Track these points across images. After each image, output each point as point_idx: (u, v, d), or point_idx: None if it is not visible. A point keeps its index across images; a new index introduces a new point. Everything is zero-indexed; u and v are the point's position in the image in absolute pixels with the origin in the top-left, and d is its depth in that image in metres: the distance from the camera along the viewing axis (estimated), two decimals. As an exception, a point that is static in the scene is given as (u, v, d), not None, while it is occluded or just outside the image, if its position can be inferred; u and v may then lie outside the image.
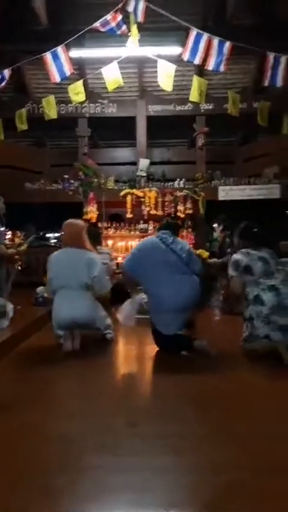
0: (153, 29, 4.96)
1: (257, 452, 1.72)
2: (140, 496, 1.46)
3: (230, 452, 1.73)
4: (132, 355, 3.54)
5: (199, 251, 5.67)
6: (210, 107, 6.64)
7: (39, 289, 4.66)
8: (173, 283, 3.14)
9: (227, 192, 6.42)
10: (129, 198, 6.22)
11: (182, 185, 6.54)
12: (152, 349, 3.47)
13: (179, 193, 6.22)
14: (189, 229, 6.19)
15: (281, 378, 2.63)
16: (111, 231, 6.38)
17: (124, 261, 3.44)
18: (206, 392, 2.45)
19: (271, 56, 3.94)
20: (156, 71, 4.58)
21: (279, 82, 3.96)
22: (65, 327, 3.35)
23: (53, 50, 4.32)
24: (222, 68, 3.88)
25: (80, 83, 4.86)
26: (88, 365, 3.05)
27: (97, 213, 6.31)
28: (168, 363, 3.08)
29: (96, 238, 4.47)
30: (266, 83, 4.05)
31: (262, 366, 2.87)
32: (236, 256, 3.17)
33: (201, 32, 3.84)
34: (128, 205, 6.21)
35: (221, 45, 3.80)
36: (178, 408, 2.21)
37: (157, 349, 3.34)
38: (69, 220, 3.60)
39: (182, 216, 6.13)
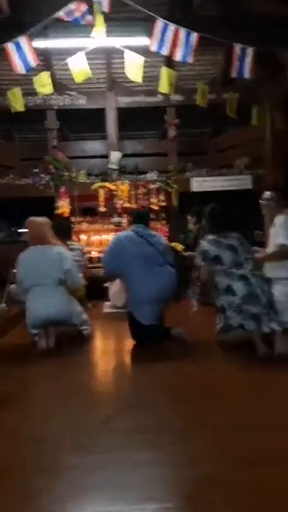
0: (120, 19, 4.87)
1: (233, 444, 1.76)
2: (119, 492, 1.46)
3: (206, 444, 1.76)
4: (108, 351, 3.54)
5: (173, 244, 5.68)
6: (180, 98, 6.62)
7: (12, 287, 4.57)
8: (151, 274, 3.23)
9: (200, 184, 6.45)
10: (101, 191, 6.15)
11: (154, 177, 6.52)
12: (128, 343, 3.48)
13: (151, 186, 6.20)
14: (163, 222, 6.20)
15: (255, 369, 2.69)
16: (84, 225, 6.31)
17: (102, 256, 3.50)
18: (182, 384, 2.48)
19: (238, 48, 3.96)
20: (124, 62, 4.51)
21: (247, 74, 3.98)
22: (40, 325, 3.31)
23: (15, 40, 4.17)
24: (189, 59, 3.87)
25: (46, 74, 4.73)
26: (64, 363, 3.03)
27: (69, 207, 6.22)
28: (144, 357, 3.10)
29: (66, 232, 4.42)
30: (234, 75, 4.07)
31: (237, 357, 2.93)
32: (205, 245, 3.17)
33: (168, 22, 3.81)
34: (101, 198, 6.14)
35: (188, 36, 3.78)
36: (154, 401, 2.22)
37: (134, 343, 3.35)
38: (31, 218, 3.56)
39: (156, 208, 6.12)
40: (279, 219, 3.30)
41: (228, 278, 3.01)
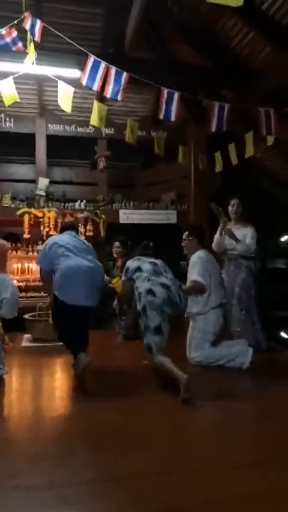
0: (53, 49, 4.89)
1: (147, 493, 1.67)
2: None
3: (117, 497, 1.65)
4: (21, 392, 3.27)
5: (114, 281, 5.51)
6: (112, 132, 6.78)
7: None
8: (82, 257, 3.31)
9: (128, 216, 6.54)
10: (26, 217, 5.92)
11: (83, 206, 6.48)
12: (46, 384, 3.28)
13: (79, 215, 6.13)
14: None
15: (174, 407, 2.66)
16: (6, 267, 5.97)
17: (41, 265, 3.49)
18: (96, 430, 2.34)
19: (165, 92, 4.17)
20: (56, 90, 4.50)
21: (173, 117, 4.19)
22: None
23: None
24: (119, 97, 3.96)
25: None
26: None
27: (-10, 232, 5.87)
28: (62, 399, 2.93)
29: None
30: (161, 117, 4.26)
31: (155, 394, 2.89)
32: (128, 263, 3.36)
33: (99, 60, 3.89)
34: (26, 225, 5.90)
35: (118, 74, 3.90)
36: (65, 451, 2.07)
37: (51, 383, 3.16)
38: None
39: (83, 238, 6.04)
40: (193, 257, 3.64)
41: (149, 283, 3.11)
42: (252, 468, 1.87)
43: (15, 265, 5.89)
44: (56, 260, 3.29)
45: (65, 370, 3.65)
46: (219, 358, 3.55)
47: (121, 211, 6.56)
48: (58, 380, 3.48)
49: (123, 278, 3.37)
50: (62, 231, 3.79)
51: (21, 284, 5.53)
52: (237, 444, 2.13)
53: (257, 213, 4.41)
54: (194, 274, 3.56)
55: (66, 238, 3.50)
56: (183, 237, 3.85)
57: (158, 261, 3.38)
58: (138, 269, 3.24)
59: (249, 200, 4.34)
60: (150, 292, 3.07)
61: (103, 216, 6.28)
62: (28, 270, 5.89)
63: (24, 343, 4.62)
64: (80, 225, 6.01)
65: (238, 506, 1.58)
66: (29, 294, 5.53)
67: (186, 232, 3.85)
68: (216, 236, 4.26)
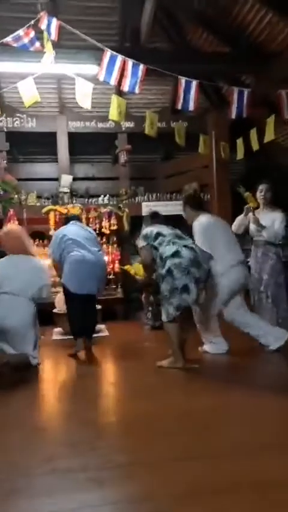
0: (70, 46, 4.94)
1: (176, 476, 1.71)
2: None
3: (148, 480, 1.71)
4: (55, 382, 3.40)
5: (126, 267, 5.68)
6: (132, 125, 6.78)
7: None
8: (88, 250, 3.76)
9: (151, 208, 6.54)
10: (52, 214, 6.05)
11: (106, 201, 6.54)
12: (77, 374, 3.38)
13: (103, 210, 6.20)
14: (115, 245, 6.19)
15: (201, 395, 2.70)
16: (34, 249, 6.13)
17: (49, 252, 4.03)
18: (125, 414, 2.42)
19: (182, 81, 4.14)
20: (75, 88, 4.55)
21: (192, 106, 4.15)
22: None
23: None
24: (137, 90, 3.97)
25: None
26: (5, 394, 2.86)
27: (18, 230, 6.04)
28: (92, 390, 3.01)
29: None
30: (179, 107, 4.23)
31: (182, 383, 2.93)
32: (146, 229, 3.40)
33: (115, 53, 3.91)
34: (51, 222, 6.03)
35: (135, 67, 3.90)
36: (98, 437, 2.14)
37: (82, 374, 3.26)
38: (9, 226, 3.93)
39: (107, 232, 6.12)
40: (194, 226, 3.61)
41: (175, 246, 3.17)
42: (278, 453, 1.87)
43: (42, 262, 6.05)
44: (64, 253, 3.74)
45: (96, 360, 3.75)
46: (250, 325, 3.54)
47: (144, 204, 6.58)
48: (89, 370, 3.57)
49: (142, 244, 3.37)
50: (66, 221, 4.22)
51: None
52: (262, 430, 2.14)
53: (284, 198, 4.32)
54: (197, 243, 3.50)
55: (74, 229, 3.93)
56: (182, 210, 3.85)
57: (177, 230, 3.43)
58: (160, 234, 3.29)
59: (275, 185, 4.27)
60: (176, 254, 3.12)
61: (126, 210, 6.33)
62: (55, 267, 6.02)
63: (55, 337, 4.76)
64: (104, 219, 6.10)
65: (262, 489, 1.59)
66: (57, 289, 5.67)
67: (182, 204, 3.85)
68: (239, 217, 4.20)
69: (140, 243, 3.40)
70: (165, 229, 3.35)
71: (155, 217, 3.65)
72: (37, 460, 1.90)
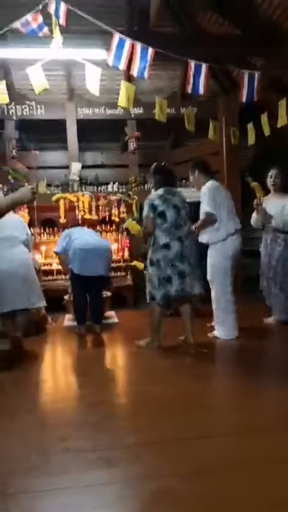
0: (78, 31, 4.87)
1: (183, 455, 1.76)
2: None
3: (156, 459, 1.75)
4: (67, 365, 3.46)
5: (134, 263, 5.68)
6: (141, 112, 6.71)
7: None
8: (90, 235, 4.46)
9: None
10: (62, 202, 6.07)
11: (115, 189, 6.54)
12: (87, 358, 3.43)
13: (112, 197, 6.20)
14: (124, 233, 6.20)
15: (206, 378, 2.73)
16: (44, 237, 6.20)
17: (56, 249, 4.47)
18: (134, 396, 2.47)
19: (192, 64, 4.07)
20: (84, 74, 4.52)
21: (201, 90, 4.09)
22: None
23: None
24: (146, 75, 3.92)
25: (1, 83, 4.64)
26: (17, 377, 2.93)
27: (29, 218, 6.09)
28: (101, 373, 3.07)
29: None
30: (189, 90, 4.17)
31: (189, 366, 2.96)
32: (154, 199, 3.47)
33: (124, 37, 3.86)
34: (61, 210, 6.06)
35: (144, 51, 3.84)
36: (108, 418, 2.19)
37: (93, 358, 3.32)
38: None
39: (117, 220, 6.13)
40: (202, 190, 3.72)
41: (168, 237, 3.38)
42: (285, 433, 1.90)
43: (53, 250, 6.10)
44: (69, 242, 4.23)
45: (106, 345, 3.80)
46: (221, 306, 3.67)
47: (153, 192, 6.55)
48: (99, 354, 3.63)
49: (146, 213, 3.46)
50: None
51: (60, 268, 5.73)
52: (267, 411, 2.17)
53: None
54: (204, 205, 3.64)
55: (78, 229, 4.65)
56: (189, 176, 3.93)
57: (179, 200, 3.48)
58: (163, 215, 3.39)
59: (286, 170, 4.22)
60: (166, 246, 3.36)
61: (136, 197, 6.31)
62: (60, 260, 6.08)
63: (66, 323, 4.83)
64: (113, 207, 6.11)
65: (268, 466, 1.63)
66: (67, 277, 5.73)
67: (189, 170, 3.90)
68: (254, 215, 4.23)
69: (145, 210, 3.49)
70: (171, 211, 3.41)
71: (162, 174, 3.65)
72: (51, 441, 1.96)
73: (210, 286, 3.73)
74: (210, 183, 3.71)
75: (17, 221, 3.93)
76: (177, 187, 3.77)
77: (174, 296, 3.38)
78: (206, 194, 3.64)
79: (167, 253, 3.36)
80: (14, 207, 2.65)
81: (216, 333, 3.71)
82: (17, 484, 1.61)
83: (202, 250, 3.80)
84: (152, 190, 3.73)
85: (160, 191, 3.51)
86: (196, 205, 3.83)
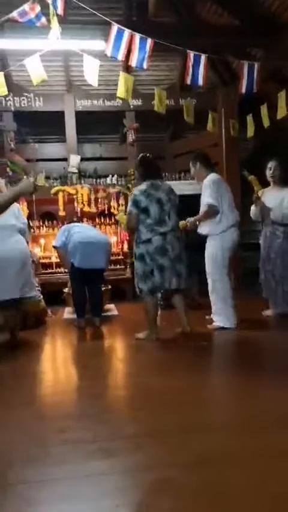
0: (76, 22, 4.84)
1: (182, 447, 1.77)
2: (72, 505, 1.43)
3: (156, 450, 1.76)
4: (66, 358, 3.48)
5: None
6: (139, 103, 6.67)
7: None
8: (89, 229, 4.54)
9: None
10: (60, 195, 6.06)
11: (114, 181, 6.51)
12: (87, 350, 3.44)
13: (111, 190, 6.19)
14: (122, 226, 6.19)
15: (207, 372, 2.74)
16: (43, 230, 6.20)
17: (55, 243, 4.45)
18: (134, 388, 2.48)
19: (191, 55, 4.03)
20: (82, 65, 4.48)
21: (201, 81, 4.06)
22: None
23: None
24: (145, 65, 3.89)
25: (-1, 75, 4.60)
26: (15, 370, 2.94)
27: (27, 211, 6.07)
28: (100, 365, 3.08)
29: None
30: (188, 81, 4.14)
31: (190, 360, 2.97)
32: (138, 195, 3.45)
33: (122, 27, 3.82)
34: (60, 202, 6.05)
35: (142, 42, 3.81)
36: (107, 409, 2.20)
37: (92, 350, 3.33)
38: None
39: (116, 212, 6.11)
40: (204, 182, 3.73)
41: (151, 233, 3.41)
42: (284, 428, 1.91)
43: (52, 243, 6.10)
44: (68, 236, 4.21)
45: (105, 337, 3.82)
46: (220, 295, 3.70)
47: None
48: (99, 347, 3.65)
49: (130, 208, 3.48)
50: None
51: (59, 260, 5.73)
52: (267, 405, 2.17)
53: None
54: (206, 197, 3.65)
55: (74, 225, 4.56)
56: (190, 168, 3.92)
57: (164, 194, 3.46)
58: (146, 211, 3.40)
59: (286, 162, 4.20)
60: (148, 241, 3.41)
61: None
62: (60, 255, 6.07)
63: (66, 316, 4.84)
64: (112, 199, 6.10)
65: (268, 459, 1.64)
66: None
67: (190, 163, 3.89)
68: (253, 208, 4.23)
69: (129, 205, 3.52)
70: (154, 207, 3.40)
71: (145, 167, 3.61)
72: (50, 432, 1.97)
73: (207, 277, 3.74)
74: (212, 176, 3.72)
75: (13, 207, 3.89)
76: (162, 178, 3.75)
77: (158, 288, 3.50)
78: (208, 186, 3.64)
79: (148, 247, 3.41)
80: (15, 200, 2.64)
81: (215, 323, 3.72)
82: (15, 474, 1.63)
83: (199, 242, 3.81)
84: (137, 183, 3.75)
85: (143, 186, 3.49)
86: (195, 197, 3.82)
